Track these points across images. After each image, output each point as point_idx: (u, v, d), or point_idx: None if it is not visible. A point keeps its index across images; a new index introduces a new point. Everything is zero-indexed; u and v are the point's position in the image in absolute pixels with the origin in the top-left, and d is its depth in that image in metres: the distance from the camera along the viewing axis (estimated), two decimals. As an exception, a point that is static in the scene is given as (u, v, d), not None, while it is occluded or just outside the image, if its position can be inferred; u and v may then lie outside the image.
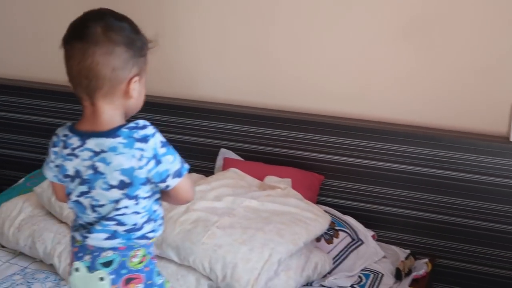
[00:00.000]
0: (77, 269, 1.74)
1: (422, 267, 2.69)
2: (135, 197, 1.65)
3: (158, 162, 1.63)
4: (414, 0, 2.77)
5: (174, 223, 2.42)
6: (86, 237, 1.70)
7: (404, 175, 2.81)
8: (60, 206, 2.64)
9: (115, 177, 1.62)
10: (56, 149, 1.72)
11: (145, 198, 1.67)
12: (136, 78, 1.66)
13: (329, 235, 2.69)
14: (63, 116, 3.27)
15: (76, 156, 1.66)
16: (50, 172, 1.76)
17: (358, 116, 2.95)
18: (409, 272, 2.65)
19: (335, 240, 2.69)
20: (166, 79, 3.16)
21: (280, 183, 2.76)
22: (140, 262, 1.73)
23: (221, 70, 3.12)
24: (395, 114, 2.89)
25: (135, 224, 1.69)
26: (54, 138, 1.73)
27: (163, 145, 1.64)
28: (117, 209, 1.66)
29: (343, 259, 2.66)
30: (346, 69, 2.94)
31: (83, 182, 1.67)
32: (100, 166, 1.62)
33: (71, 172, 1.68)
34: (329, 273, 2.56)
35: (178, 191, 1.72)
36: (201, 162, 3.06)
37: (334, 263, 2.61)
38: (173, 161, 1.65)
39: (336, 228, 2.73)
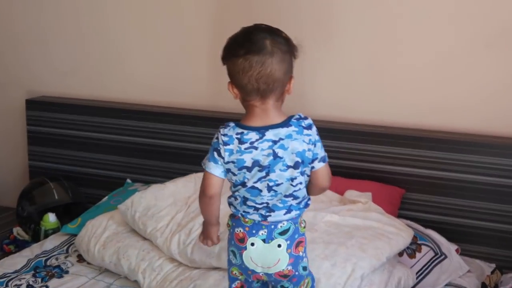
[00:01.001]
0: (252, 244, 1.99)
1: (509, 281, 2.62)
2: (304, 174, 1.98)
3: (315, 145, 1.97)
4: (496, 11, 2.73)
5: (256, 239, 2.42)
6: (268, 216, 1.98)
7: (488, 187, 2.75)
8: (143, 223, 2.69)
9: (291, 159, 1.93)
10: (229, 147, 1.95)
11: (303, 173, 1.97)
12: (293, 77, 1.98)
13: (411, 249, 2.64)
14: (143, 135, 3.34)
15: (256, 148, 1.93)
16: (218, 169, 1.98)
17: (439, 128, 2.91)
18: (495, 287, 2.58)
19: (418, 255, 2.65)
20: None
21: (361, 197, 2.73)
22: (304, 227, 2.04)
23: (297, 86, 3.11)
24: (478, 125, 2.84)
25: (304, 196, 2.01)
26: (224, 138, 1.95)
27: (317, 133, 1.99)
28: (294, 186, 1.95)
29: (426, 274, 2.61)
30: (427, 80, 2.91)
31: (262, 169, 1.93)
32: (279, 152, 1.92)
33: (248, 163, 1.94)
34: (413, 288, 2.53)
35: (318, 175, 2.01)
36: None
37: (417, 278, 2.57)
38: (321, 147, 2.00)
39: (419, 242, 2.69)
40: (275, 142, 1.93)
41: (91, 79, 3.56)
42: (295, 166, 1.94)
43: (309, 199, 2.05)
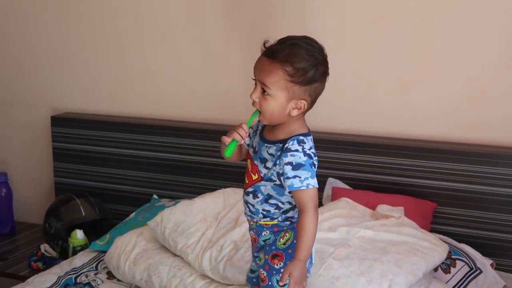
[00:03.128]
0: None
1: (546, 296, 2.58)
2: None
3: None
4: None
5: (290, 255, 2.40)
6: None
7: (522, 201, 2.71)
8: (174, 239, 2.67)
9: None
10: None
11: None
12: None
13: (446, 264, 2.61)
14: (169, 150, 3.33)
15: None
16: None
17: (470, 141, 2.88)
18: (532, 302, 2.55)
19: (453, 270, 2.61)
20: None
21: (393, 212, 2.70)
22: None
23: (328, 99, 3.09)
24: (510, 138, 2.81)
25: None
26: (314, 150, 2.02)
27: None
28: None
29: (462, 290, 2.57)
30: (457, 94, 2.89)
31: None
32: None
33: None
34: (449, 303, 2.49)
35: None
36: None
37: (452, 293, 2.54)
38: None
39: (453, 257, 2.65)
40: None
41: (115, 95, 3.56)
42: None
43: None
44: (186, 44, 3.35)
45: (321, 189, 3.03)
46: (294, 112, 1.97)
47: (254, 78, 1.98)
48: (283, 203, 2.05)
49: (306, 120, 2.05)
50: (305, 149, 1.96)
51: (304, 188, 1.95)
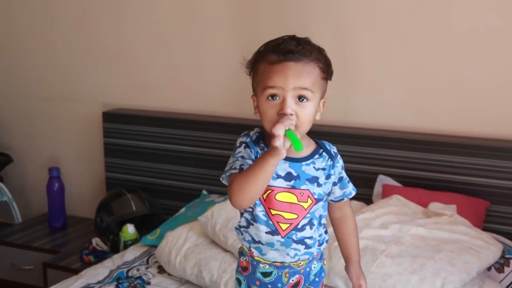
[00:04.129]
0: None
1: None
2: None
3: None
4: None
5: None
6: None
7: None
8: (224, 235, 2.69)
9: None
10: None
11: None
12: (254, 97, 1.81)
13: (499, 263, 2.57)
14: (218, 146, 3.34)
15: None
16: None
17: (524, 138, 2.84)
18: None
19: (506, 269, 2.57)
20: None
21: (446, 210, 2.67)
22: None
23: (379, 96, 3.09)
24: None
25: None
26: None
27: (234, 148, 1.80)
28: None
29: (516, 289, 2.54)
30: (506, 88, 2.84)
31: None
32: None
33: None
34: (502, 303, 2.46)
35: None
36: (359, 189, 2.99)
37: (506, 293, 2.50)
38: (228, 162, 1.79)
39: (507, 256, 2.61)
40: None
41: (165, 91, 3.59)
42: None
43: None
44: (235, 39, 3.35)
45: (371, 186, 3.02)
46: (318, 116, 1.76)
47: (275, 93, 1.69)
48: None
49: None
50: None
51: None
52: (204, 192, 3.40)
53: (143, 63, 3.61)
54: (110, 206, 3.37)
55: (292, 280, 1.81)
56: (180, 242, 2.80)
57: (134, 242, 3.20)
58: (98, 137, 3.73)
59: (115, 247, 3.25)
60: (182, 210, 3.25)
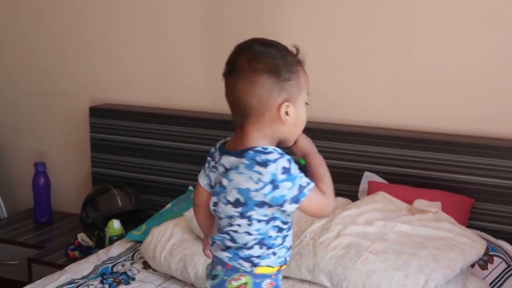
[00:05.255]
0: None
1: None
2: (248, 218, 1.70)
3: (275, 188, 1.64)
4: None
5: (326, 248, 2.40)
6: (212, 244, 1.81)
7: (562, 198, 2.67)
8: (209, 231, 2.68)
9: (232, 194, 1.70)
10: (209, 159, 1.82)
11: (260, 221, 1.70)
12: (287, 104, 1.69)
13: (483, 260, 2.58)
14: (204, 142, 3.32)
15: (216, 169, 1.77)
16: (204, 180, 1.86)
17: (508, 136, 2.84)
18: None
19: (490, 266, 2.59)
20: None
21: (430, 207, 2.68)
22: None
23: (365, 93, 3.09)
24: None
25: (245, 244, 1.73)
26: (212, 149, 1.83)
27: (285, 171, 1.64)
28: (231, 225, 1.73)
29: (499, 286, 2.55)
30: (494, 87, 2.86)
31: (214, 193, 1.78)
32: (224, 182, 1.71)
33: (213, 183, 1.81)
34: (485, 300, 2.47)
35: (303, 211, 1.72)
36: (345, 186, 3.03)
37: (490, 290, 2.51)
38: (290, 187, 1.65)
39: (490, 253, 2.62)
40: (226, 170, 1.72)
41: (152, 87, 3.58)
42: (235, 204, 1.69)
43: (261, 257, 1.73)
44: (226, 35, 3.35)
45: (357, 183, 3.02)
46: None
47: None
48: None
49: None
50: None
51: None
52: (191, 188, 3.39)
53: (130, 58, 3.60)
54: (96, 201, 3.36)
55: None
56: (165, 238, 2.80)
57: (120, 237, 3.19)
58: (84, 132, 3.71)
59: (101, 243, 3.24)
60: (168, 206, 3.25)
